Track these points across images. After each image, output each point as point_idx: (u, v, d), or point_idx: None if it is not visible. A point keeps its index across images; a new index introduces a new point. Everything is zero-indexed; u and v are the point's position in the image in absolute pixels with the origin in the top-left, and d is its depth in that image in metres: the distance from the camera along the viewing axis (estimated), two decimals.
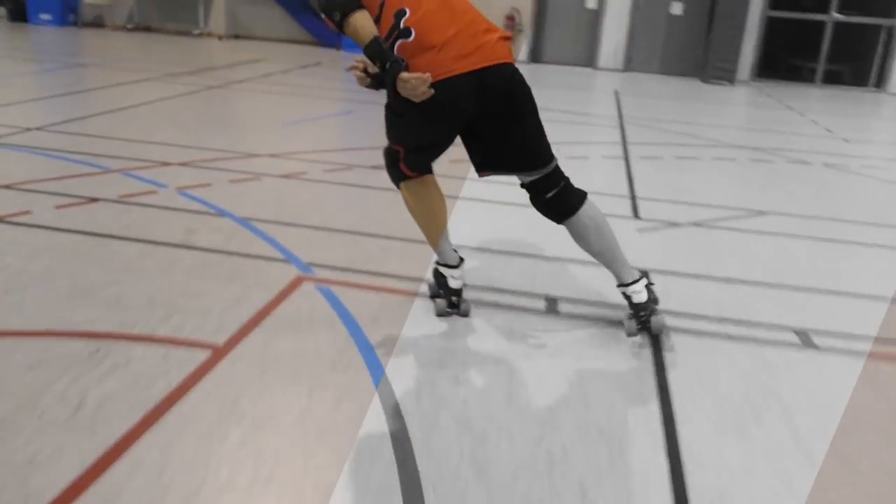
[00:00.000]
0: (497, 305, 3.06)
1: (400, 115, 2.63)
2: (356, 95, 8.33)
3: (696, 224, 4.35)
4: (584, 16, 12.93)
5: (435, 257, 3.01)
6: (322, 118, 6.87)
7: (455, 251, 2.99)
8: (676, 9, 12.58)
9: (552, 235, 3.25)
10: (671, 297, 3.16)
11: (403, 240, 3.69)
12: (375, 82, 2.60)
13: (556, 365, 2.61)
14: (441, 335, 2.77)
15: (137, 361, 2.42)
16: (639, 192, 4.97)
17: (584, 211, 2.78)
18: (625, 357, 2.70)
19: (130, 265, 3.19)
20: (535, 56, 13.13)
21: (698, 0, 12.43)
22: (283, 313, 2.84)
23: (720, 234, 4.23)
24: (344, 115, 7.13)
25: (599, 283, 3.25)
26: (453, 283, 2.94)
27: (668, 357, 2.71)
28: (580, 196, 2.80)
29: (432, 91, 2.43)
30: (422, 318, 2.88)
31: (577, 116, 7.86)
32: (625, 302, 2.86)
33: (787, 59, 13.05)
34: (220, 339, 2.58)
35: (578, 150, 6.20)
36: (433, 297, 3.03)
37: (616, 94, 9.96)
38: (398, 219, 3.99)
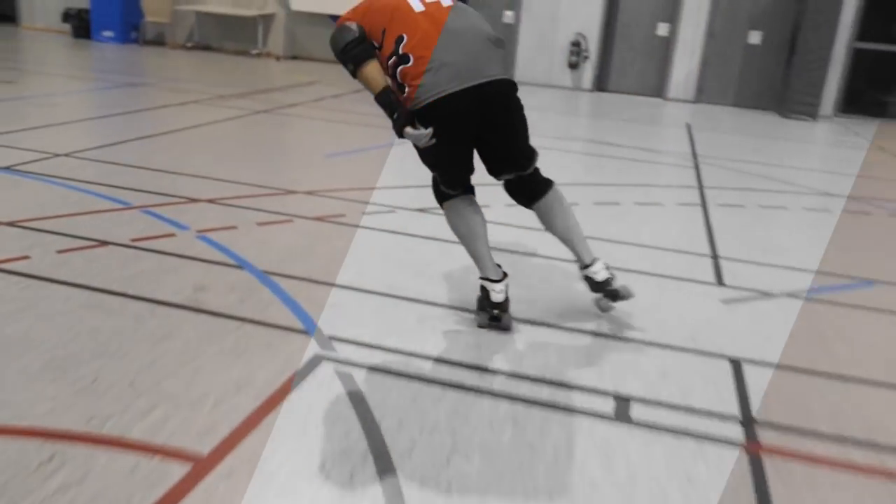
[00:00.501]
0: (555, 407, 2.47)
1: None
2: None
3: (792, 295, 3.69)
4: (654, 43, 12.28)
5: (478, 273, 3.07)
6: (368, 150, 6.40)
7: (498, 266, 3.05)
8: (754, 37, 11.82)
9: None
10: (774, 403, 2.52)
11: (446, 306, 3.14)
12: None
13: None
14: (485, 448, 2.20)
15: (96, 477, 1.91)
16: (721, 249, 4.32)
17: (551, 195, 3.05)
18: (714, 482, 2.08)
19: (121, 332, 2.71)
20: (601, 84, 12.51)
21: (778, 29, 11.66)
22: (291, 409, 2.31)
23: (823, 309, 3.56)
24: (392, 147, 6.64)
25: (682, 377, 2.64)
26: (495, 297, 2.98)
27: (777, 496, 2.08)
28: (548, 182, 3.08)
29: (434, 141, 2.75)
30: (461, 422, 2.32)
31: (647, 154, 7.23)
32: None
33: (874, 93, 12.13)
34: (206, 448, 2.06)
35: (651, 195, 5.57)
36: (478, 310, 3.07)
37: (688, 128, 9.28)
38: (442, 277, 3.47)
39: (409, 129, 2.74)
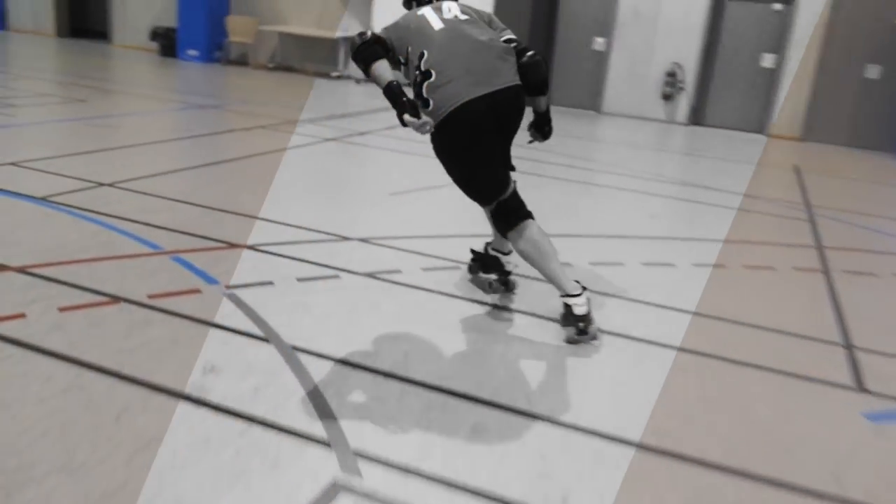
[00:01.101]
0: None
1: (456, 154, 3.09)
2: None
3: None
4: (758, 74, 11.33)
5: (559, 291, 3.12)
6: (439, 187, 5.80)
7: (577, 281, 3.12)
8: (872, 71, 10.73)
9: None
10: None
11: (509, 410, 2.48)
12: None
13: None
14: None
15: None
16: (856, 335, 3.51)
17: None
18: None
19: (95, 435, 2.16)
20: (697, 118, 11.63)
21: None
22: None
23: None
24: None
25: None
26: (579, 311, 3.05)
27: None
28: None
29: (432, 129, 2.96)
30: None
31: (752, 201, 6.38)
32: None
33: None
34: None
35: (761, 254, 4.78)
36: (564, 326, 3.12)
37: (797, 170, 8.34)
38: (507, 367, 2.80)
39: (407, 117, 2.89)
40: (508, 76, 3.04)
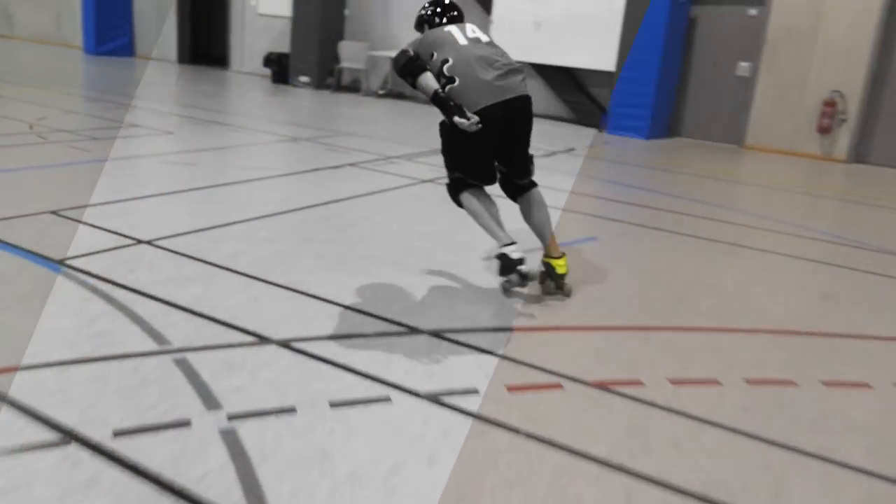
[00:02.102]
0: None
1: (456, 140, 3.58)
2: (612, 208, 6.09)
3: None
4: None
5: (497, 250, 3.68)
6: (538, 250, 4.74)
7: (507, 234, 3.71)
8: None
9: None
10: None
11: None
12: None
13: None
14: None
15: None
16: None
17: (533, 193, 3.86)
18: None
19: None
20: (861, 154, 9.95)
21: None
22: None
23: None
24: (584, 245, 4.92)
25: None
26: (515, 255, 3.60)
27: None
28: (532, 183, 3.87)
29: (480, 126, 3.44)
30: None
31: None
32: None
33: None
34: None
35: None
36: (502, 274, 3.68)
37: None
38: None
39: (458, 119, 3.44)
40: (520, 88, 3.61)
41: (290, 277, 3.72)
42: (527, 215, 3.86)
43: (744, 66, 10.46)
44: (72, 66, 13.91)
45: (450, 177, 3.81)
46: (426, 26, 3.96)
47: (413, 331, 3.22)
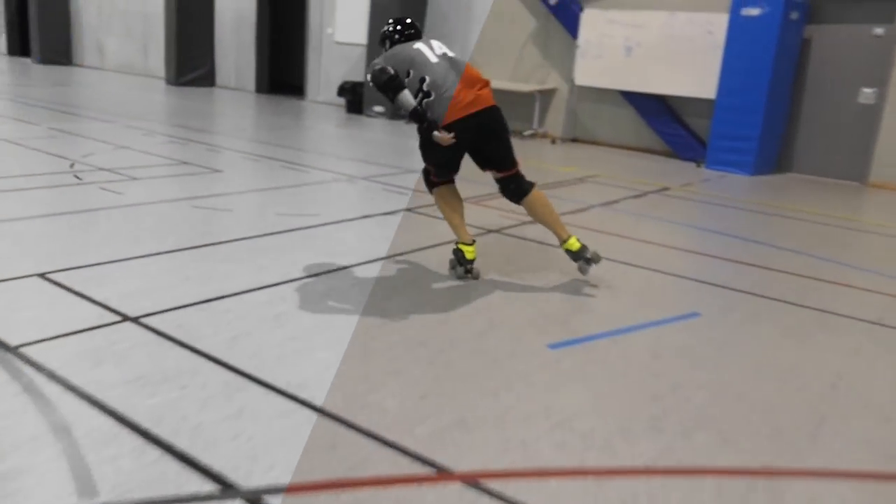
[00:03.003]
0: None
1: (433, 146, 4.09)
2: (716, 269, 5.02)
3: None
4: None
5: (456, 239, 4.37)
6: (637, 329, 3.74)
7: (469, 234, 4.38)
8: None
9: None
10: None
11: None
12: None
13: None
14: None
15: None
16: None
17: (533, 194, 4.33)
18: None
19: None
20: None
21: None
22: None
23: None
24: (683, 324, 3.91)
25: None
26: (470, 255, 4.31)
27: None
28: (530, 184, 4.35)
29: (454, 140, 4.00)
30: None
31: None
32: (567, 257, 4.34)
33: None
34: None
35: None
36: (453, 267, 4.37)
37: None
38: None
39: (436, 134, 3.98)
40: (488, 100, 4.12)
41: (296, 378, 2.88)
42: (532, 214, 4.44)
43: (867, 93, 9.13)
44: (146, 97, 13.76)
45: (426, 172, 4.45)
46: (388, 42, 4.37)
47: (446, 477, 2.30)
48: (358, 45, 13.81)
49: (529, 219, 4.73)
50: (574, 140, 11.47)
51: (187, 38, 16.18)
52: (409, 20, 4.47)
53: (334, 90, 14.18)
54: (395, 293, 4.02)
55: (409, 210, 6.00)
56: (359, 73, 13.63)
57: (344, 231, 5.26)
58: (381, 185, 6.97)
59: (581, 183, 7.93)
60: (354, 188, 6.82)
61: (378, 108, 13.03)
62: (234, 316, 3.49)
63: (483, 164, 4.37)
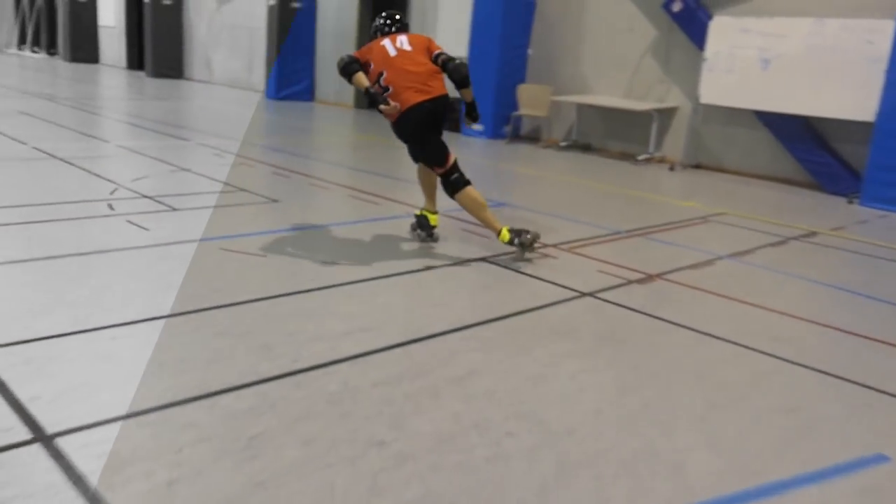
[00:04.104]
0: None
1: (401, 128, 4.79)
2: (883, 353, 3.59)
3: None
4: None
5: (421, 206, 5.20)
6: (784, 491, 2.46)
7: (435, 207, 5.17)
8: None
9: None
10: None
11: None
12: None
13: None
14: None
15: None
16: None
17: (466, 191, 4.82)
18: None
19: None
20: None
21: None
22: None
23: None
24: (865, 476, 2.59)
25: None
26: (433, 221, 5.14)
27: None
28: (465, 181, 4.85)
29: (399, 112, 4.63)
30: None
31: None
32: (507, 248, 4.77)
33: None
34: None
35: None
36: (414, 230, 5.21)
37: None
38: None
39: (381, 107, 4.61)
40: (438, 89, 4.72)
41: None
42: (466, 209, 4.95)
43: None
44: (239, 112, 13.29)
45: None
46: (379, 34, 5.01)
47: None
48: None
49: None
50: (696, 166, 9.98)
51: (288, 52, 15.75)
52: (397, 15, 5.10)
53: None
54: (437, 382, 2.89)
55: (484, 260, 4.86)
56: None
57: (391, 288, 4.19)
58: (462, 222, 5.83)
59: (704, 223, 6.54)
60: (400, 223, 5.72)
61: (477, 127, 11.95)
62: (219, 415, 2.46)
63: (418, 156, 5.07)
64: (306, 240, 5.11)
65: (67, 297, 3.63)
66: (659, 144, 10.30)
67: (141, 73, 20.12)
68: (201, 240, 4.76)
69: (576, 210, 6.62)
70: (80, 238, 4.66)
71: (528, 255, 4.88)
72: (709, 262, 5.20)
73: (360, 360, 3.17)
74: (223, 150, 8.54)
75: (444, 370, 3.14)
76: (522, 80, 11.78)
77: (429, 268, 4.61)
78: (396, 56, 4.69)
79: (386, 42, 4.79)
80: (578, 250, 5.23)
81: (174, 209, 5.54)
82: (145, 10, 19.53)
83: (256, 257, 4.52)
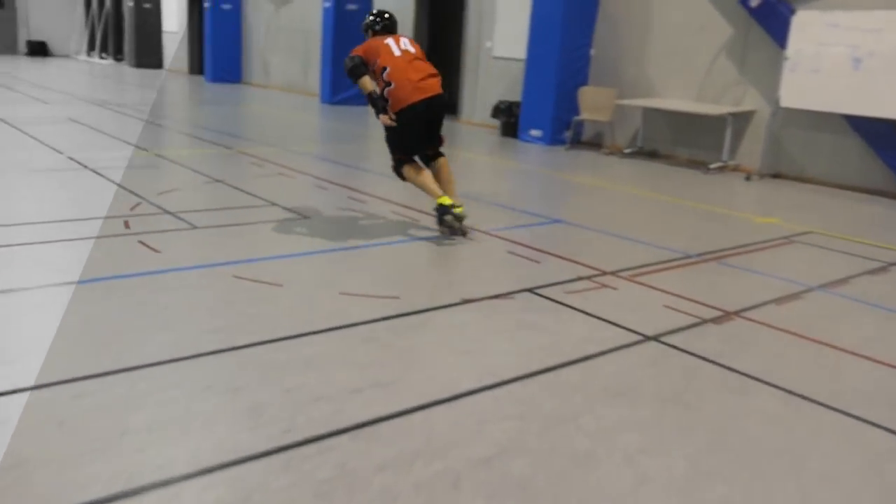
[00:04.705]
0: None
1: (397, 131, 5.22)
2: None
3: None
4: None
5: (435, 203, 5.23)
6: None
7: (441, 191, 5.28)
8: None
9: None
10: None
11: None
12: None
13: None
14: None
15: None
16: None
17: (440, 160, 5.38)
18: None
19: None
20: None
21: None
22: None
23: None
24: None
25: None
26: (447, 202, 5.13)
27: None
28: (441, 154, 5.41)
29: (395, 123, 5.15)
30: None
31: None
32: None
33: None
34: None
35: None
36: (440, 217, 5.22)
37: None
38: None
39: (382, 116, 5.13)
40: (437, 89, 5.17)
41: None
42: (436, 175, 5.35)
43: None
44: (290, 117, 12.94)
45: (393, 158, 5.44)
46: (370, 32, 5.52)
47: None
48: (517, 60, 12.18)
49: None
50: (776, 176, 9.09)
51: (342, 56, 15.35)
52: (387, 14, 5.54)
53: (489, 110, 12.64)
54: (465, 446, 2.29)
55: (530, 291, 4.23)
56: (516, 92, 11.99)
57: (399, 336, 3.60)
58: (511, 243, 5.21)
59: (788, 244, 5.74)
60: (470, 249, 5.11)
61: (535, 132, 11.30)
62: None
63: (426, 141, 5.38)
64: (331, 265, 4.57)
65: (23, 341, 3.16)
66: (733, 152, 9.43)
67: (201, 78, 20.10)
68: (212, 265, 4.27)
69: (639, 228, 5.90)
70: (69, 264, 4.22)
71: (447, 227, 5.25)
72: (796, 296, 4.44)
73: (366, 430, 2.59)
74: (264, 158, 8.11)
75: (468, 447, 2.53)
76: (584, 83, 11.06)
77: (466, 301, 4.00)
78: (400, 56, 5.17)
79: (389, 41, 5.26)
80: (641, 279, 4.55)
81: (194, 227, 5.09)
82: (205, 15, 19.50)
83: (270, 287, 3.99)
